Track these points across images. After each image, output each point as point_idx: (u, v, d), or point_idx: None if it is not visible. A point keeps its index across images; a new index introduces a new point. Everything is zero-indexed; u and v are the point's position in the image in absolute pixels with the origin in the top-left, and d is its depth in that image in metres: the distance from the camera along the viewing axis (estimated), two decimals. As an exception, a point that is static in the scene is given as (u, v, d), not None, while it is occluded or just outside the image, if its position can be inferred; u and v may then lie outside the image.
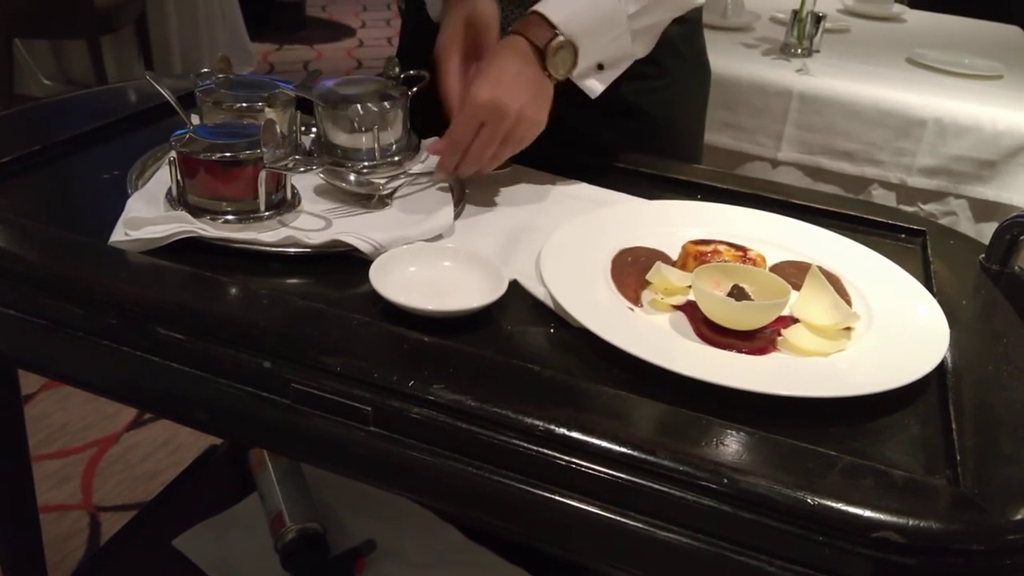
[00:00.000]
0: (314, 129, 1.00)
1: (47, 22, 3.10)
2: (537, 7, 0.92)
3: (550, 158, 1.03)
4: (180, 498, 1.42)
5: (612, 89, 1.03)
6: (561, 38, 0.91)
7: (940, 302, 0.79)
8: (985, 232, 1.90)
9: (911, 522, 0.54)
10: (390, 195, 0.90)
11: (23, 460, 1.11)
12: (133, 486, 1.82)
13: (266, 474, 1.34)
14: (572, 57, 0.92)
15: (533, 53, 0.91)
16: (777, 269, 0.82)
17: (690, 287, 0.77)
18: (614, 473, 0.58)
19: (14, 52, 3.40)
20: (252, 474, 1.37)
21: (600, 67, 0.97)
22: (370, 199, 0.90)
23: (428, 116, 0.99)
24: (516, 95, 0.88)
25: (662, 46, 1.10)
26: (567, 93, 1.00)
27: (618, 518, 0.59)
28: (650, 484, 0.58)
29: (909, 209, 2.04)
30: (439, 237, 0.85)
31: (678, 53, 1.14)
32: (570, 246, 0.82)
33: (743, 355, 0.70)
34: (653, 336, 0.72)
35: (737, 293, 0.74)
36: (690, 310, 0.76)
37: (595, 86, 0.98)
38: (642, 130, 1.14)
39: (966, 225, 2.00)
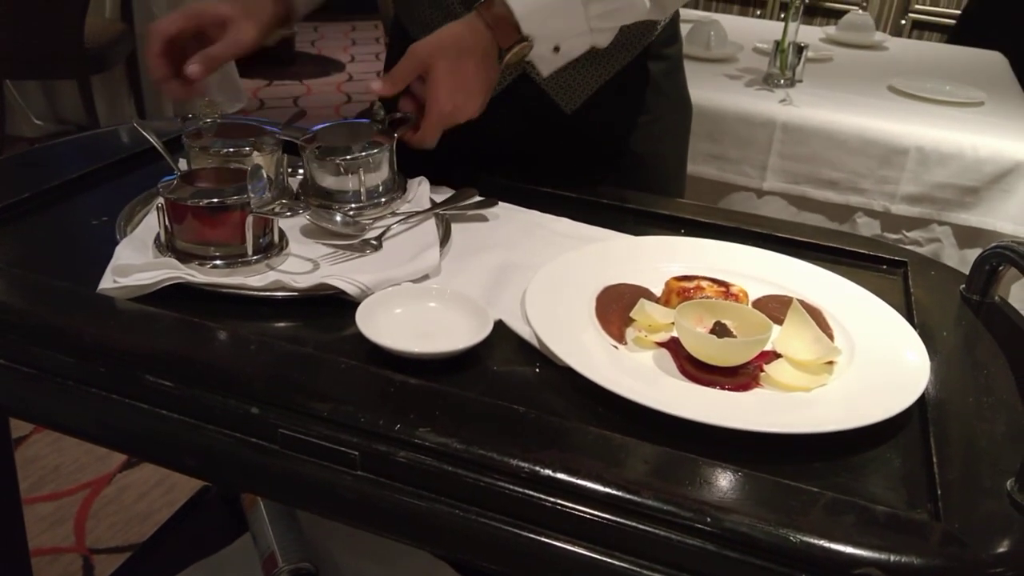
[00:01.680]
0: (301, 171, 1.01)
1: (37, 63, 3.13)
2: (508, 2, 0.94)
3: (535, 195, 1.05)
4: (174, 539, 1.42)
5: (602, 127, 1.05)
6: (525, 42, 0.94)
7: (921, 333, 0.80)
8: (969, 258, 1.91)
9: (893, 558, 0.54)
10: (379, 238, 0.91)
11: (14, 504, 1.10)
12: (127, 527, 1.82)
13: (258, 514, 1.34)
14: (529, 49, 0.96)
15: (494, 49, 0.96)
16: (759, 304, 0.83)
17: (673, 324, 0.77)
18: (599, 514, 0.59)
19: (5, 93, 3.42)
20: (245, 514, 1.37)
21: (556, 49, 0.99)
22: (357, 241, 0.90)
23: (413, 155, 1.01)
24: (474, 98, 0.96)
25: (645, 85, 1.12)
26: (554, 131, 1.02)
27: (604, 558, 0.60)
28: (635, 524, 0.58)
29: (893, 236, 2.06)
30: (425, 277, 0.85)
31: (661, 91, 1.16)
32: (554, 284, 0.83)
33: (726, 392, 0.71)
34: (637, 374, 0.73)
35: (719, 330, 0.75)
36: (674, 347, 0.76)
37: (546, 66, 1.01)
38: (628, 166, 1.16)
39: (950, 251, 2.02)
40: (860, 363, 0.75)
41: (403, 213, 0.97)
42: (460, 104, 0.96)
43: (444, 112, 0.95)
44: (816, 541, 0.55)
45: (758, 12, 4.50)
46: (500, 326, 0.77)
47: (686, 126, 1.27)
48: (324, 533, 1.36)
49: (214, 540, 1.38)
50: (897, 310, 0.83)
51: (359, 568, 1.32)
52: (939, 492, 0.61)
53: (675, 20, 1.17)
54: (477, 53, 0.95)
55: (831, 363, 0.75)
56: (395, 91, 0.98)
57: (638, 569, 0.59)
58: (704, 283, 0.83)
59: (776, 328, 0.77)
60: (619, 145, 1.14)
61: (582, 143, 1.13)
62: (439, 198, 1.01)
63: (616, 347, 0.76)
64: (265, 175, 0.83)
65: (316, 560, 1.28)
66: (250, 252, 0.83)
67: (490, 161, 1.11)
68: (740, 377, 0.73)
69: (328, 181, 0.96)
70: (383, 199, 0.97)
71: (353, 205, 0.96)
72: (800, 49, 2.26)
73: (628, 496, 0.58)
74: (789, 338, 0.76)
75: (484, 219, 1.00)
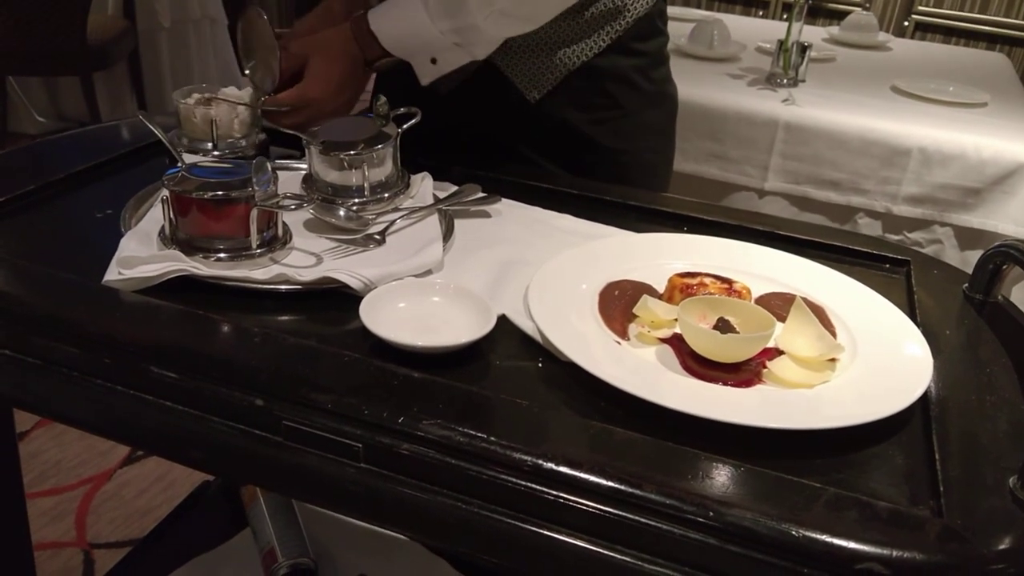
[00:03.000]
0: (305, 166, 1.02)
1: (40, 59, 3.13)
2: (371, 24, 1.04)
3: (538, 191, 1.05)
4: (174, 534, 1.42)
5: (559, 119, 1.09)
6: (388, 59, 1.05)
7: (924, 332, 0.80)
8: (971, 259, 1.91)
9: (895, 553, 0.55)
10: (382, 233, 0.91)
11: (17, 498, 1.10)
12: (127, 523, 1.82)
13: (258, 509, 1.34)
14: (395, 61, 1.06)
15: (360, 57, 1.05)
16: (762, 301, 0.83)
17: (676, 320, 0.78)
18: (601, 507, 0.59)
19: (7, 89, 3.43)
20: (244, 509, 1.37)
21: (434, 61, 1.05)
22: (360, 235, 0.91)
23: (418, 149, 1.02)
24: (341, 93, 1.05)
25: (612, 78, 1.13)
26: (522, 119, 1.03)
27: (606, 552, 0.60)
28: (637, 518, 0.58)
29: (895, 237, 2.06)
30: (428, 272, 0.86)
31: (633, 85, 1.16)
32: (557, 280, 0.83)
33: (729, 388, 0.71)
34: (640, 370, 0.73)
35: (722, 326, 0.75)
36: (676, 343, 0.77)
37: (426, 75, 1.07)
38: (599, 161, 1.16)
39: (952, 252, 2.02)
40: (863, 360, 0.75)
41: (406, 208, 0.97)
42: (326, 96, 1.03)
43: (308, 97, 1.02)
44: (818, 536, 0.55)
45: (760, 12, 4.50)
46: (503, 321, 0.78)
47: (669, 122, 1.26)
48: (323, 529, 1.37)
49: (214, 535, 1.38)
50: (900, 309, 0.83)
51: (357, 563, 1.32)
52: (941, 489, 0.61)
53: (655, 16, 1.17)
54: (347, 57, 1.05)
55: (834, 360, 0.75)
56: (280, 87, 1.05)
57: (640, 563, 0.59)
58: (707, 280, 0.83)
59: (779, 325, 0.77)
60: (587, 138, 1.15)
61: (549, 133, 1.14)
62: (442, 194, 1.01)
63: (619, 343, 0.76)
64: (270, 168, 0.83)
65: (315, 556, 1.28)
66: (254, 245, 0.84)
67: (460, 147, 1.14)
68: (743, 373, 0.73)
69: (332, 176, 0.96)
70: (386, 194, 0.98)
71: (357, 200, 0.96)
72: (803, 49, 2.26)
73: (631, 490, 0.58)
74: (792, 335, 0.76)
75: (487, 215, 1.00)
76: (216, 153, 1.07)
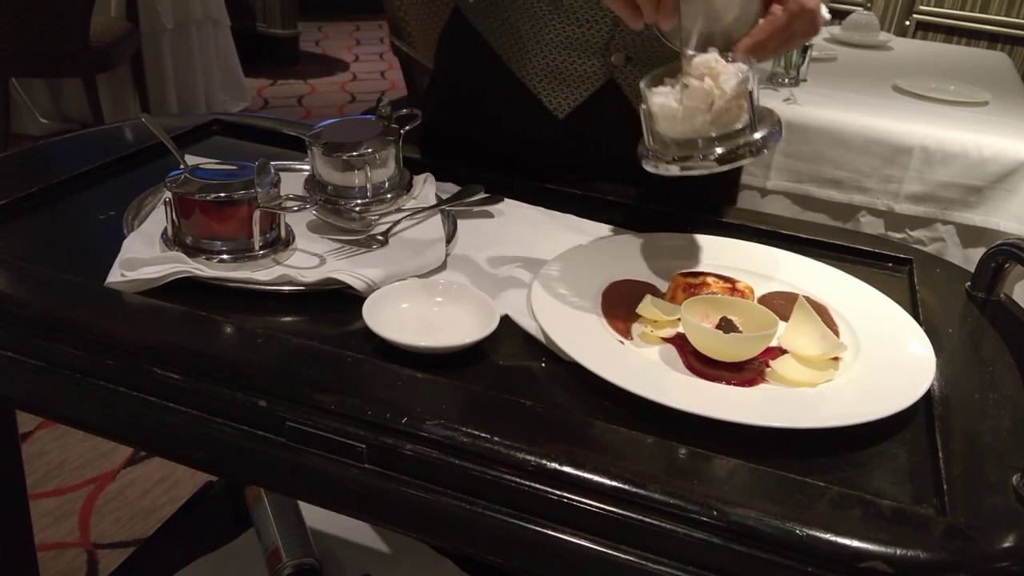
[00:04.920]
0: (307, 167, 1.02)
1: (43, 61, 3.13)
2: None
3: (540, 192, 1.05)
4: (177, 534, 1.42)
5: (595, 135, 1.06)
6: None
7: (927, 330, 0.80)
8: (973, 257, 1.91)
9: (899, 552, 0.55)
10: (385, 234, 0.91)
11: (21, 499, 1.11)
12: (131, 523, 1.82)
13: (262, 509, 1.34)
14: None
15: None
16: (765, 300, 0.83)
17: (679, 320, 0.78)
18: (605, 507, 0.59)
19: (10, 91, 3.43)
20: (248, 509, 1.37)
21: None
22: (363, 236, 0.91)
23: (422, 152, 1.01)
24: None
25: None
26: (549, 134, 1.01)
27: (610, 551, 0.60)
28: (641, 517, 0.58)
29: (897, 235, 2.06)
30: (432, 273, 0.86)
31: None
32: (560, 280, 0.83)
33: (732, 387, 0.71)
34: (643, 369, 0.73)
35: (725, 325, 0.75)
36: (679, 343, 0.77)
37: None
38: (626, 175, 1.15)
39: (954, 250, 2.02)
40: (865, 359, 0.75)
41: (409, 209, 0.97)
42: (817, 13, 0.82)
43: (808, 7, 0.80)
44: (822, 535, 0.55)
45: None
46: (506, 321, 0.78)
47: None
48: (328, 528, 1.37)
49: (218, 535, 1.38)
50: (903, 307, 0.83)
51: (362, 563, 1.32)
52: (945, 487, 0.61)
53: None
54: None
55: (837, 359, 0.75)
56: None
57: (644, 562, 0.59)
58: (710, 279, 0.83)
59: (782, 324, 0.77)
60: (613, 152, 1.14)
61: (576, 149, 1.13)
62: (445, 194, 1.01)
63: (622, 343, 0.76)
64: (273, 170, 0.83)
65: (319, 555, 1.28)
66: (257, 247, 0.84)
67: (492, 164, 1.11)
68: (746, 373, 0.73)
69: (335, 177, 0.96)
70: (389, 195, 0.98)
71: (359, 201, 0.96)
72: (805, 48, 2.26)
73: (634, 489, 0.59)
74: (795, 334, 0.76)
75: (490, 215, 1.00)
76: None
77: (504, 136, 1.13)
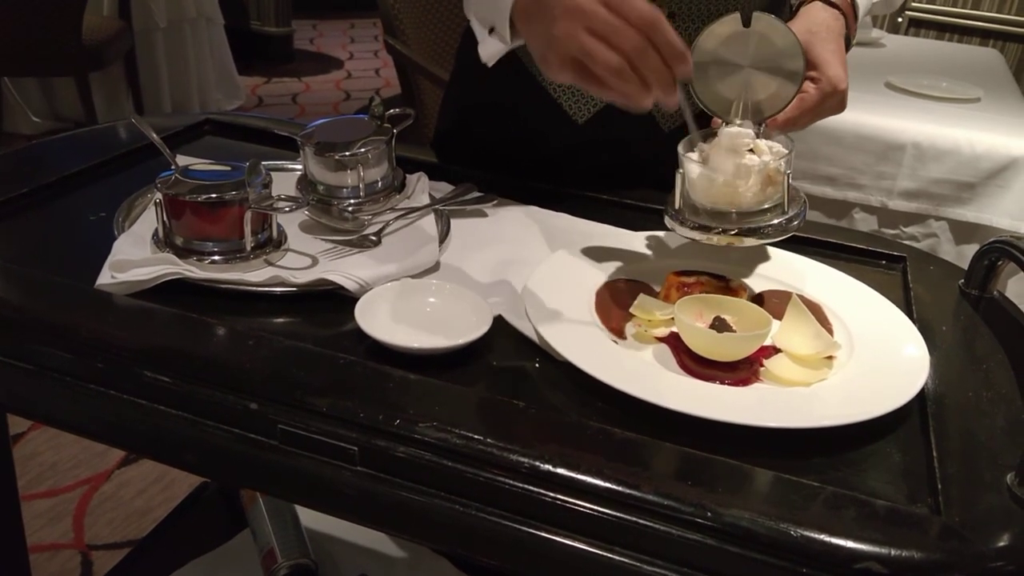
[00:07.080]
0: (299, 166, 1.01)
1: (36, 60, 3.12)
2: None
3: (534, 191, 1.05)
4: (172, 535, 1.41)
5: (614, 139, 1.06)
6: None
7: (920, 328, 0.80)
8: (966, 253, 1.92)
9: (893, 552, 0.54)
10: (378, 234, 0.91)
11: (12, 500, 1.10)
12: (125, 524, 1.81)
13: (257, 510, 1.34)
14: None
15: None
16: (759, 299, 0.83)
17: (673, 319, 0.77)
18: (599, 509, 0.59)
19: (3, 90, 3.41)
20: (244, 510, 1.37)
21: None
22: (355, 236, 0.90)
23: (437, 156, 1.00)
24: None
25: None
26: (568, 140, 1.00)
27: (604, 553, 0.60)
28: (635, 519, 0.58)
29: (891, 232, 2.06)
30: (424, 273, 0.85)
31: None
32: (553, 280, 0.83)
33: (726, 387, 0.71)
34: (637, 369, 0.73)
35: (719, 324, 0.75)
36: (673, 342, 0.76)
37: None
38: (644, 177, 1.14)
39: (947, 246, 2.02)
40: (860, 358, 0.75)
41: (402, 209, 0.97)
42: (846, 93, 0.91)
43: (840, 89, 0.89)
44: (816, 535, 0.55)
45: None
46: (499, 321, 0.77)
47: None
48: (323, 529, 1.36)
49: (213, 536, 1.38)
50: (896, 305, 0.83)
51: (359, 563, 1.32)
52: (939, 486, 0.61)
53: None
54: (837, 34, 0.93)
55: (831, 358, 0.75)
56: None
57: (639, 564, 0.59)
58: (704, 278, 0.83)
59: (776, 323, 0.77)
60: (631, 157, 1.13)
61: (596, 154, 1.12)
62: (438, 194, 1.00)
63: (616, 342, 0.76)
64: (264, 170, 0.83)
65: (315, 556, 1.28)
66: (248, 248, 0.83)
67: (509, 169, 1.10)
68: (740, 372, 0.73)
69: (327, 177, 0.96)
70: (382, 195, 0.97)
71: (352, 201, 0.95)
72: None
73: (628, 491, 0.58)
74: (789, 333, 0.76)
75: (483, 215, 0.99)
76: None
77: (523, 142, 1.12)
